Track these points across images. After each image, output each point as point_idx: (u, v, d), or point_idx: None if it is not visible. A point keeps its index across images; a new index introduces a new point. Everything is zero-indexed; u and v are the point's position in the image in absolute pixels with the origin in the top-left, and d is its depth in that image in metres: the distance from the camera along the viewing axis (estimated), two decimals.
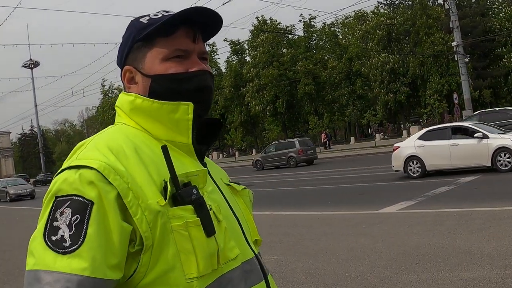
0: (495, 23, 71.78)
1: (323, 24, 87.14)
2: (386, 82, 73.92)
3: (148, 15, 1.86)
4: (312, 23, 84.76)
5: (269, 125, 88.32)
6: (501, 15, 74.63)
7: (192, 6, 1.81)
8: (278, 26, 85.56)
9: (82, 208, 1.48)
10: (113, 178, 1.53)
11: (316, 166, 41.07)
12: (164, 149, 1.64)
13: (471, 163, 20.90)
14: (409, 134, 70.61)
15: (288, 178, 33.10)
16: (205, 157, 1.95)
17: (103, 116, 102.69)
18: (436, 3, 77.58)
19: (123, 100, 1.85)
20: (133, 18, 1.94)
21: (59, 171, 1.62)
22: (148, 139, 1.75)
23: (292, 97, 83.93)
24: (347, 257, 9.66)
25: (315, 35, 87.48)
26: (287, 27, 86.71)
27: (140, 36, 1.81)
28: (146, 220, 1.52)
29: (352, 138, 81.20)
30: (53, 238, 1.46)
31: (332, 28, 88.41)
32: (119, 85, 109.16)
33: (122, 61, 1.88)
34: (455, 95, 44.34)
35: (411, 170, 22.40)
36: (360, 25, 79.56)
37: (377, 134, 71.91)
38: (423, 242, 9.99)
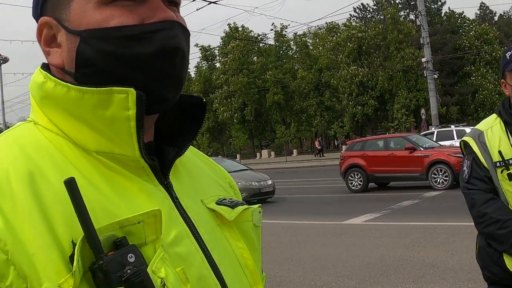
0: (465, 41, 72.77)
1: (294, 34, 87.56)
2: (355, 95, 74.31)
3: None
4: (284, 32, 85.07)
5: (236, 133, 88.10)
6: (471, 33, 75.66)
7: None
8: (250, 34, 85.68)
9: None
10: None
11: (282, 175, 41.12)
12: (70, 185, 0.91)
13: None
14: None
15: None
16: (175, 165, 1.21)
17: None
18: (408, 19, 78.48)
19: (33, 81, 1.14)
20: None
21: None
22: (65, 153, 1.06)
23: (261, 105, 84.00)
24: (313, 266, 9.73)
25: (286, 44, 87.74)
26: (259, 35, 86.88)
27: None
28: None
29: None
30: None
31: (303, 39, 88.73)
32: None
33: (39, 10, 1.15)
34: (422, 111, 44.74)
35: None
36: (331, 36, 79.98)
37: (343, 146, 72.29)
38: (387, 254, 10.12)
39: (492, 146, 3.23)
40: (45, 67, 1.14)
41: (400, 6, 79.24)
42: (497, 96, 67.52)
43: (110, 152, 1.08)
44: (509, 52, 3.26)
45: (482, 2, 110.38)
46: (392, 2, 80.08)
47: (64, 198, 0.93)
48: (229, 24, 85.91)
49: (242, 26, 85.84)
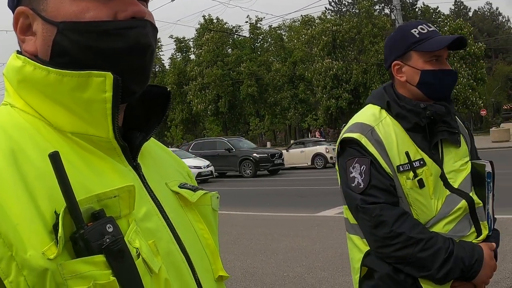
0: None
1: (269, 27, 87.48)
2: (329, 88, 74.48)
3: None
4: (259, 25, 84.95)
5: (210, 125, 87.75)
6: (445, 28, 75.98)
7: None
8: (225, 26, 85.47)
9: None
10: None
11: None
12: (54, 158, 0.97)
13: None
14: None
15: (227, 179, 33.13)
16: (141, 150, 1.29)
17: None
18: (383, 13, 78.85)
19: (10, 65, 1.19)
20: None
21: None
22: (42, 133, 1.12)
23: (235, 97, 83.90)
24: (286, 257, 9.81)
25: (261, 37, 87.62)
26: (233, 27, 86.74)
27: None
28: (26, 283, 0.92)
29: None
30: None
31: (278, 31, 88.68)
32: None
33: (15, 0, 1.21)
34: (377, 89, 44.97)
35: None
36: (306, 29, 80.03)
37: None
38: None
39: (389, 145, 2.64)
40: (20, 54, 1.19)
41: (375, 0, 79.56)
42: (470, 90, 68.07)
43: (84, 133, 1.14)
44: (416, 29, 2.71)
45: None
46: None
47: (46, 174, 1.00)
48: (204, 16, 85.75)
49: (217, 18, 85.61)
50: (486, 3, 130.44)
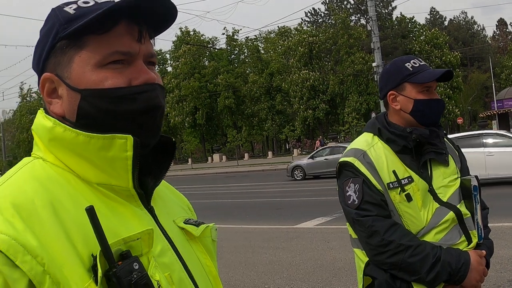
0: (415, 45, 74.05)
1: (246, 38, 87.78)
2: (306, 99, 74.89)
3: (75, 2, 1.38)
4: (236, 37, 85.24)
5: (188, 137, 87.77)
6: (421, 38, 76.98)
7: None
8: (202, 38, 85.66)
9: None
10: (22, 260, 1.09)
11: (234, 179, 41.24)
12: (90, 212, 1.16)
13: None
14: None
15: (204, 191, 33.05)
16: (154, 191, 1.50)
17: (20, 120, 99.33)
18: (358, 24, 79.36)
19: (40, 124, 1.37)
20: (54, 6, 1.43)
21: None
22: (73, 184, 1.31)
23: (212, 109, 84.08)
24: (266, 270, 9.86)
25: (237, 48, 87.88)
26: (210, 39, 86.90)
27: (65, 33, 1.32)
28: None
29: (270, 153, 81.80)
30: None
31: (255, 43, 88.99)
32: (37, 89, 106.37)
33: (40, 65, 1.39)
34: (373, 114, 45.31)
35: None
36: (282, 41, 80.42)
37: (295, 150, 72.65)
38: (339, 256, 10.31)
39: (380, 166, 2.96)
40: (46, 113, 1.38)
41: (351, 11, 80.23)
42: (446, 99, 68.66)
43: (108, 184, 1.33)
44: (409, 63, 3.06)
45: (432, 7, 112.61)
46: (343, 7, 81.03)
47: (80, 221, 1.20)
48: (180, 28, 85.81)
49: (194, 30, 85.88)
50: (462, 12, 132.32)
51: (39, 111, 1.40)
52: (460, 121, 67.24)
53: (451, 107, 70.25)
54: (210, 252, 1.60)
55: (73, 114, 1.34)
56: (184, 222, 1.57)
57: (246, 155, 79.45)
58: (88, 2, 1.36)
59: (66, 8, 1.36)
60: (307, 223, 15.24)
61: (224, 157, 78.85)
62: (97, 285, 1.13)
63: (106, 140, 1.30)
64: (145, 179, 1.42)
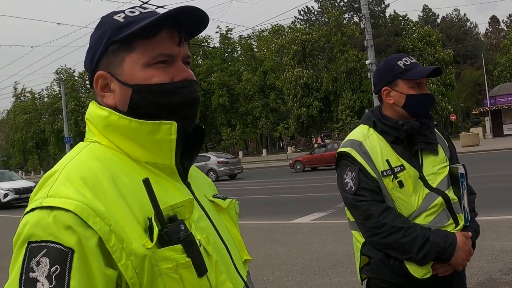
0: (408, 43, 74.04)
1: (239, 37, 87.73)
2: (300, 96, 74.90)
3: (123, 12, 1.64)
4: (229, 35, 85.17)
5: None
6: (414, 35, 77.06)
7: (179, 6, 1.56)
8: (195, 36, 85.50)
9: (61, 257, 1.30)
10: (93, 222, 1.34)
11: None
12: (146, 183, 1.44)
13: None
14: None
15: None
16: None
17: (14, 120, 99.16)
18: (352, 22, 79.35)
19: (95, 113, 1.62)
20: (104, 15, 1.69)
21: (28, 209, 1.40)
22: (126, 163, 1.56)
23: (206, 108, 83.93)
24: (264, 263, 10.03)
25: (231, 47, 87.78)
26: (204, 37, 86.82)
27: (117, 38, 1.57)
28: (132, 265, 1.36)
29: (264, 150, 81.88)
30: None
31: (249, 41, 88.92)
32: (31, 89, 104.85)
33: (93, 65, 1.63)
34: (366, 111, 45.35)
35: None
36: (276, 39, 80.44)
37: (289, 147, 72.78)
38: (335, 249, 10.51)
39: (374, 155, 3.23)
40: (99, 104, 1.63)
41: (344, 9, 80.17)
42: (440, 96, 68.78)
43: (154, 162, 1.58)
44: (401, 61, 3.34)
45: (425, 5, 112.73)
46: (336, 5, 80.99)
47: (134, 192, 1.45)
48: None
49: None
50: (454, 9, 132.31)
51: (91, 103, 1.67)
52: (453, 118, 67.48)
53: (444, 104, 70.38)
54: (234, 222, 1.87)
55: (124, 105, 1.59)
56: (213, 196, 1.83)
57: (240, 153, 79.51)
58: (134, 12, 1.63)
59: (116, 17, 1.62)
60: (302, 218, 15.43)
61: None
62: (152, 242, 1.37)
63: (154, 125, 1.54)
64: (182, 160, 1.66)
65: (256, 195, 24.68)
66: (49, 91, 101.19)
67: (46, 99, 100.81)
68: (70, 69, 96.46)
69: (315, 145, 66.79)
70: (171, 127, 1.55)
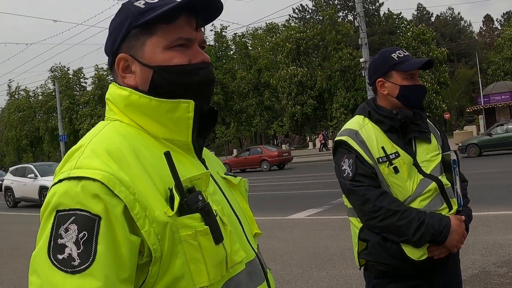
0: (402, 41, 73.87)
1: (234, 35, 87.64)
2: (294, 94, 74.85)
3: None
4: (223, 33, 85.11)
5: None
6: (408, 34, 77.09)
7: None
8: None
9: (89, 224, 1.39)
10: (119, 190, 1.44)
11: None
12: (168, 156, 1.55)
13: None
14: (314, 146, 71.83)
15: None
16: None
17: (9, 118, 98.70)
18: (346, 20, 79.38)
19: (116, 93, 1.72)
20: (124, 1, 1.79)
21: (55, 181, 1.49)
22: (146, 139, 1.66)
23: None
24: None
25: (225, 45, 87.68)
26: None
27: (139, 22, 1.67)
28: (154, 232, 1.45)
29: None
30: (60, 256, 1.37)
31: (243, 39, 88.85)
32: (26, 86, 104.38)
33: (115, 48, 1.73)
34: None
35: None
36: (270, 37, 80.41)
37: (283, 145, 72.84)
38: (331, 244, 10.66)
39: (370, 143, 3.36)
40: (119, 85, 1.73)
41: (338, 7, 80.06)
42: (434, 95, 68.89)
43: (172, 139, 1.68)
44: (395, 54, 3.48)
45: (419, 3, 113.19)
46: (331, 3, 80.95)
47: (155, 165, 1.56)
48: None
49: None
50: (448, 8, 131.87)
51: (111, 84, 1.78)
52: (447, 116, 67.76)
53: (438, 102, 70.42)
54: (245, 198, 1.99)
55: (145, 85, 1.69)
56: (224, 173, 1.96)
57: (234, 151, 79.40)
58: None
59: (136, 3, 1.71)
60: (298, 214, 15.59)
61: (213, 153, 78.33)
62: (173, 211, 1.48)
63: (173, 104, 1.65)
64: (197, 138, 1.77)
65: (250, 192, 24.69)
66: (44, 89, 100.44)
67: (40, 97, 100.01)
68: (65, 67, 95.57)
69: (319, 143, 67.18)
70: (189, 105, 1.65)
